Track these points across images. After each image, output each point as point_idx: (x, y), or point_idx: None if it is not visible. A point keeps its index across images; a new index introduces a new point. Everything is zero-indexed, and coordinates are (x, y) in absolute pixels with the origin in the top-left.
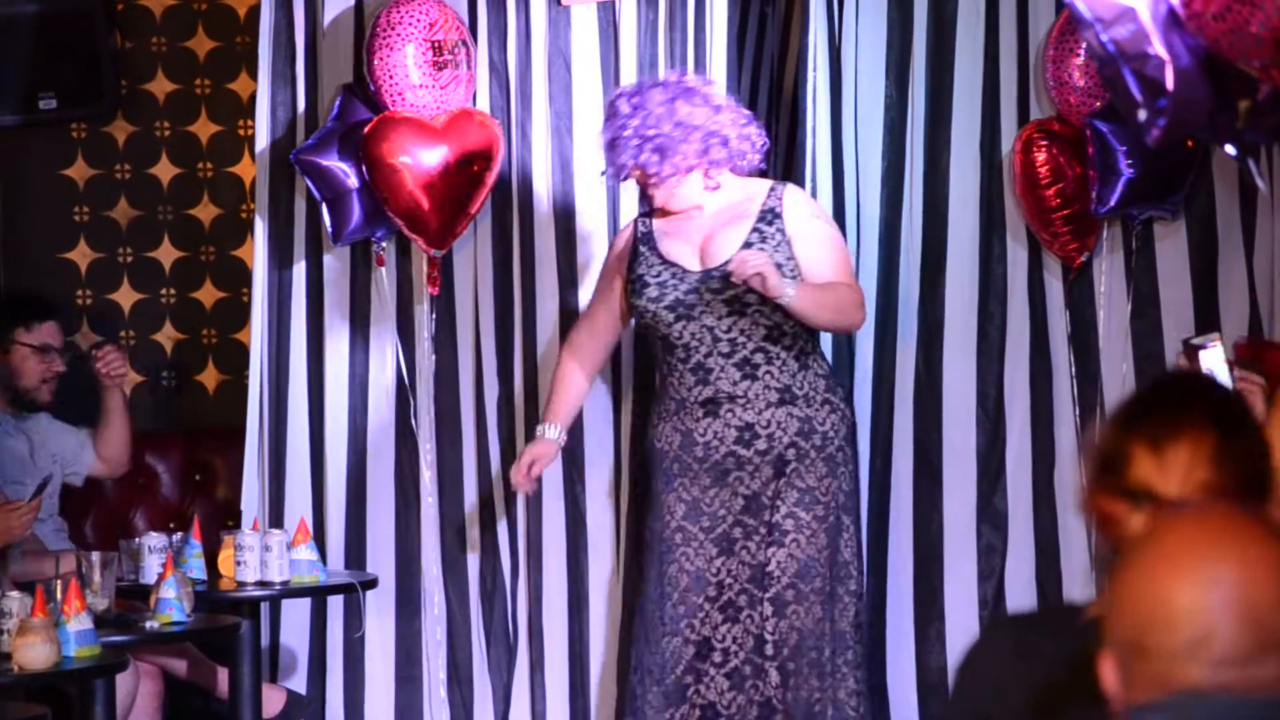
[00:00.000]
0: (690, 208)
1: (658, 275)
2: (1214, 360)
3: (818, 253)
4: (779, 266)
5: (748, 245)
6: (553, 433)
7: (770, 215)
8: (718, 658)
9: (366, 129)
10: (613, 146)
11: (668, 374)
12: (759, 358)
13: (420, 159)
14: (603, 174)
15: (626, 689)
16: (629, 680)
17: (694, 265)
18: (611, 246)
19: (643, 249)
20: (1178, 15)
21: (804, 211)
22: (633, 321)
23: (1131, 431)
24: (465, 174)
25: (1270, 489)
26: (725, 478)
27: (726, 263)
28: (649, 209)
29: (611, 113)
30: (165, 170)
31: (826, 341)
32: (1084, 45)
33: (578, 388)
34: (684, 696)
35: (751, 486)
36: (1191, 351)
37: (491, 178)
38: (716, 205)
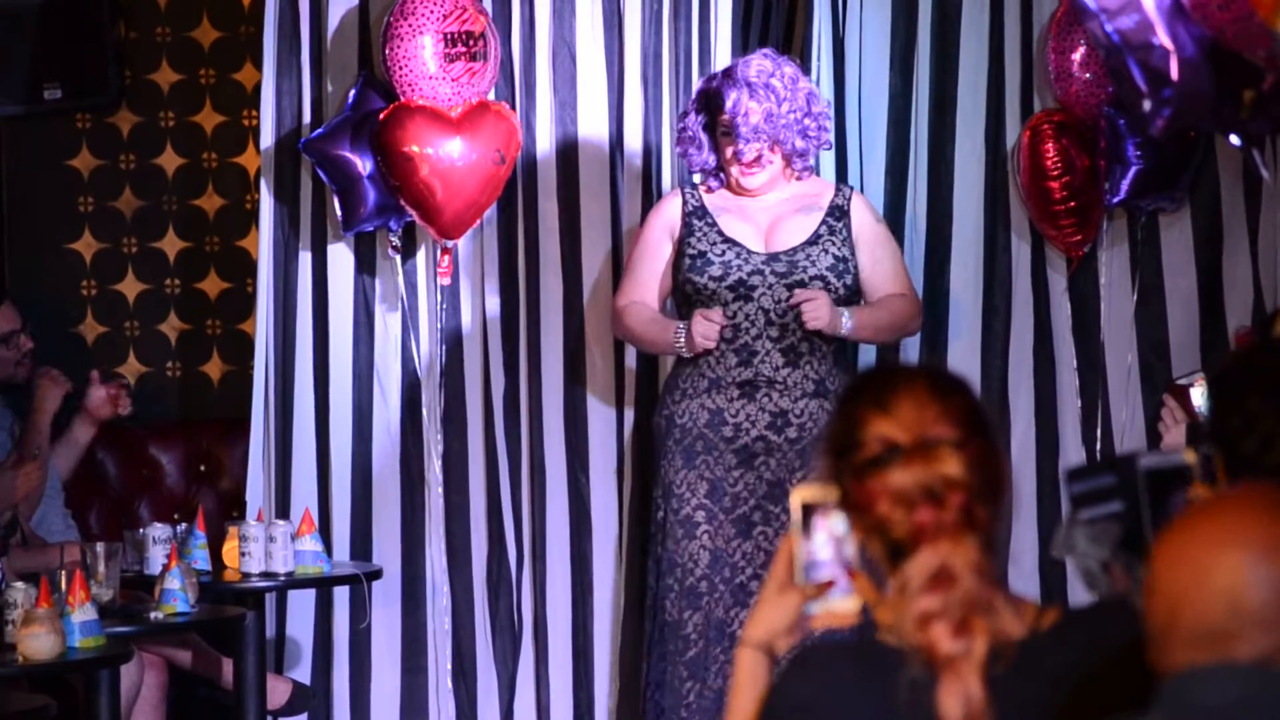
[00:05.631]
0: (762, 193)
1: (721, 254)
2: (1202, 397)
3: (880, 260)
4: (843, 260)
5: (816, 237)
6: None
7: (839, 211)
8: (728, 644)
9: (381, 116)
10: (769, 120)
11: (704, 352)
12: (804, 346)
13: (433, 149)
14: (743, 144)
15: (649, 666)
16: (649, 660)
17: (758, 246)
18: (654, 214)
19: (697, 223)
20: (1182, 5)
21: (870, 215)
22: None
23: (854, 405)
24: (480, 165)
25: (988, 427)
26: (751, 461)
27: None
28: (702, 181)
29: (762, 81)
30: (170, 160)
31: None
32: (1085, 35)
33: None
34: (699, 674)
35: (778, 474)
36: (1179, 391)
37: (506, 171)
38: (785, 194)
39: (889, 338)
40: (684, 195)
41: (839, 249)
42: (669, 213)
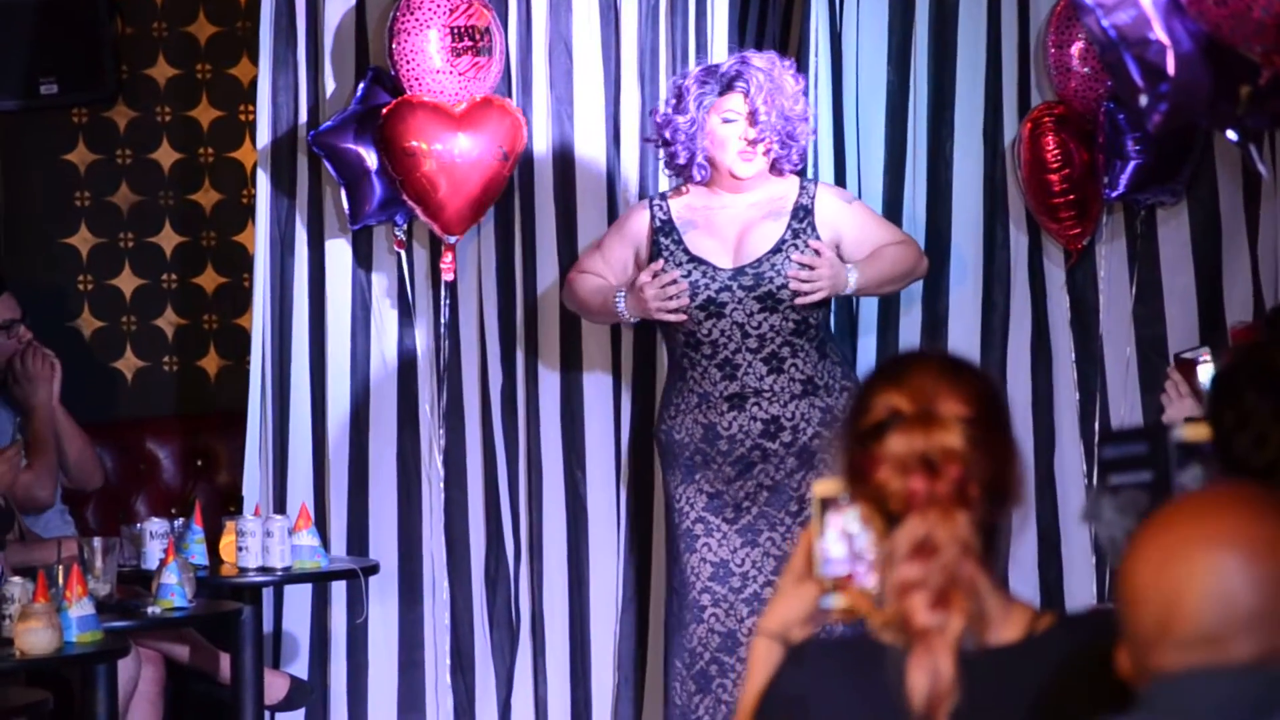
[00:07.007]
0: (741, 190)
1: (688, 274)
2: (1209, 374)
3: (864, 231)
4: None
5: (781, 244)
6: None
7: (803, 211)
8: (744, 653)
9: (384, 112)
10: (790, 109)
11: (689, 368)
12: (785, 351)
13: (436, 144)
14: (759, 130)
15: (668, 684)
16: (669, 671)
17: (724, 262)
18: (622, 222)
19: (664, 240)
20: (1179, 0)
21: (836, 200)
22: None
23: (871, 383)
24: (482, 161)
25: (1002, 415)
26: (750, 469)
27: (783, 280)
28: (673, 188)
29: (778, 73)
30: (166, 155)
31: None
32: (1084, 31)
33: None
34: (709, 687)
35: (775, 477)
36: (1186, 366)
37: (510, 167)
38: (755, 198)
39: (899, 285)
40: (651, 209)
41: (803, 250)
42: (636, 226)
